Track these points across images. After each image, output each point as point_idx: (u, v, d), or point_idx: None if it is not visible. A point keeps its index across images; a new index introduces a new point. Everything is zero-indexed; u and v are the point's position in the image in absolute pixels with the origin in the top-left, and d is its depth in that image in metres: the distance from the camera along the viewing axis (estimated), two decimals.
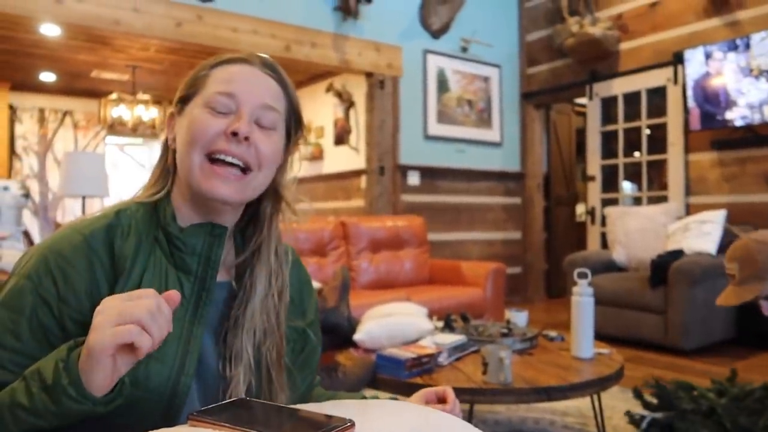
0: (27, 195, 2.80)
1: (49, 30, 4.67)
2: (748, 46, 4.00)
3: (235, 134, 0.80)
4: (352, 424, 0.65)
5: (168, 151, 0.88)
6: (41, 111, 7.61)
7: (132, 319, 0.62)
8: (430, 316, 2.49)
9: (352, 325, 2.26)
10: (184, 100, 0.86)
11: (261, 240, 0.90)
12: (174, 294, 0.69)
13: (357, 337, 2.16)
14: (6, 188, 2.75)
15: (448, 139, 5.27)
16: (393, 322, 2.16)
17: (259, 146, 0.82)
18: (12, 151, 7.34)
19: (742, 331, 3.78)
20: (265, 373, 0.86)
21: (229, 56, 0.86)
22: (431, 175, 5.13)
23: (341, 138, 6.10)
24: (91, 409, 0.65)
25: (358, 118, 5.79)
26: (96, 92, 7.34)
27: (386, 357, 1.88)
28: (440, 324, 2.39)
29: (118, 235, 0.79)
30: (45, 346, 0.72)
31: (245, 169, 0.82)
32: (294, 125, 0.91)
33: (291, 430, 0.66)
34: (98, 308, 0.65)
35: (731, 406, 1.88)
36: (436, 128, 5.21)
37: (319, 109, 6.56)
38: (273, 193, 0.90)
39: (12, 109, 7.27)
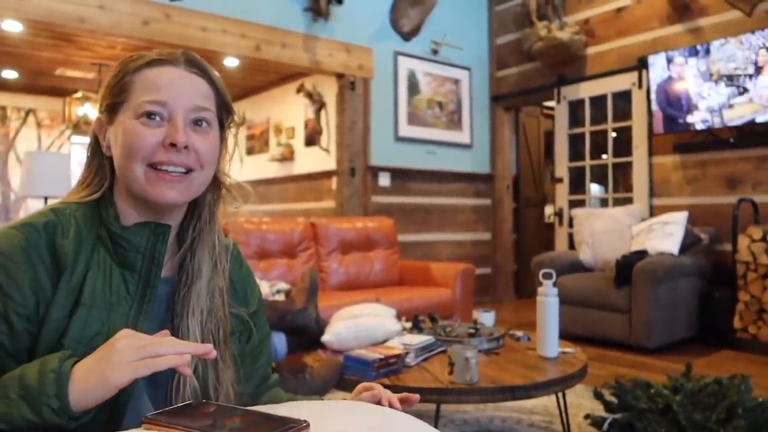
0: None
1: (11, 26, 4.55)
2: (708, 52, 4.12)
3: (173, 145, 0.81)
4: (307, 425, 0.65)
5: (101, 153, 0.87)
6: (2, 109, 7.42)
7: (151, 354, 0.67)
8: (399, 316, 2.51)
9: (321, 327, 2.26)
10: (111, 110, 0.85)
11: (201, 226, 0.91)
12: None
13: (325, 338, 2.16)
14: None
15: (418, 140, 5.30)
16: (361, 324, 2.16)
17: (198, 149, 0.83)
18: None
19: (702, 330, 3.89)
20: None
21: (151, 57, 0.85)
22: (402, 176, 5.15)
23: (312, 139, 6.08)
24: (64, 424, 0.66)
25: (329, 119, 5.79)
26: (60, 90, 7.18)
27: (353, 358, 1.89)
28: (408, 325, 2.41)
29: (59, 233, 0.79)
30: None
31: (188, 171, 0.84)
32: (225, 115, 0.92)
33: (245, 431, 0.66)
34: (114, 340, 0.68)
35: (686, 402, 1.93)
36: (406, 130, 5.24)
37: (290, 109, 6.54)
38: (212, 182, 0.91)
39: None
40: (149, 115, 0.81)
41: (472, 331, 2.33)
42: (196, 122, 0.84)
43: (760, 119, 3.89)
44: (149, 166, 0.81)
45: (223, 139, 0.92)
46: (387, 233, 4.10)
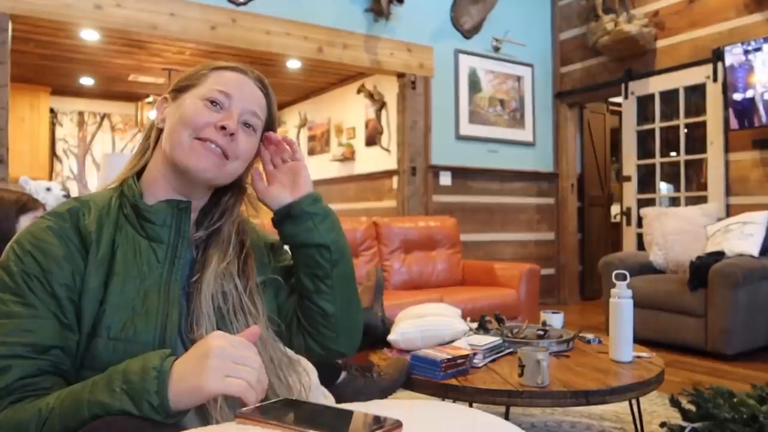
0: (68, 195, 2.89)
1: (89, 35, 4.78)
2: None
3: (223, 128, 0.91)
4: (400, 425, 0.65)
5: (152, 130, 0.99)
6: (80, 114, 7.81)
7: (242, 377, 0.71)
8: (464, 317, 2.48)
9: (386, 326, 2.26)
10: (180, 90, 0.97)
11: (221, 224, 0.99)
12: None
13: (391, 337, 2.15)
14: (49, 189, 2.85)
15: (480, 139, 5.23)
16: (427, 323, 2.15)
17: (240, 142, 0.94)
18: (53, 154, 7.55)
19: None
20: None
21: (229, 64, 0.99)
22: (463, 175, 5.10)
23: (373, 139, 6.11)
24: (162, 420, 0.71)
25: (390, 118, 5.80)
26: (133, 95, 7.50)
27: (421, 358, 1.87)
28: (474, 325, 2.38)
29: (81, 216, 0.88)
30: (49, 313, 0.80)
31: (224, 155, 0.93)
32: (270, 129, 1.03)
33: (341, 429, 0.66)
34: (209, 348, 0.72)
35: None
36: (467, 128, 5.18)
37: (351, 110, 6.60)
38: (237, 187, 1.02)
39: (53, 113, 7.48)
40: (213, 101, 0.93)
41: (541, 332, 2.28)
42: (246, 124, 0.95)
43: None
44: (196, 139, 0.91)
45: (258, 152, 1.02)
46: (449, 232, 4.07)
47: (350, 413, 0.72)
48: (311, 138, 7.55)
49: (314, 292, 1.00)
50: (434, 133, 4.99)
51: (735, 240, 3.69)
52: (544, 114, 5.70)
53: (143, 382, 0.70)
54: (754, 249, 3.62)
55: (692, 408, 2.06)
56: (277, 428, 0.66)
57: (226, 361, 0.71)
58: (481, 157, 5.22)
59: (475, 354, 1.96)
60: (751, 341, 3.52)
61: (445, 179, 5.01)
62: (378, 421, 0.66)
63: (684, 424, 2.02)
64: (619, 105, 5.55)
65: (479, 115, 5.28)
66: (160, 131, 0.96)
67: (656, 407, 2.51)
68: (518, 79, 5.54)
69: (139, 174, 0.96)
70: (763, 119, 4.06)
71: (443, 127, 5.04)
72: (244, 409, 0.71)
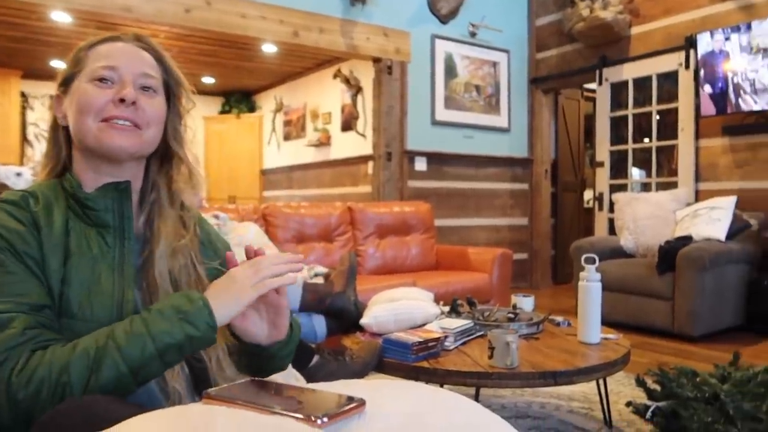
0: None
1: (60, 17, 4.66)
2: (760, 30, 3.94)
3: (122, 100, 0.91)
4: (363, 403, 0.66)
5: (58, 131, 0.99)
6: (52, 98, 7.63)
7: (264, 275, 0.87)
8: (437, 301, 2.50)
9: (359, 310, 2.27)
10: (67, 82, 0.97)
11: (157, 195, 1.00)
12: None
13: (364, 321, 2.17)
14: (19, 174, 2.81)
15: (455, 124, 5.25)
16: (400, 307, 2.17)
17: (145, 108, 0.94)
18: (24, 138, 7.38)
19: (750, 318, 3.77)
20: None
21: (103, 36, 0.98)
22: (439, 160, 5.12)
23: (348, 124, 6.09)
24: (212, 337, 0.84)
25: (366, 103, 5.78)
26: None
27: (393, 341, 1.89)
28: (446, 309, 2.40)
29: (31, 203, 0.90)
30: (32, 277, 0.84)
31: (135, 126, 0.94)
32: (174, 88, 1.02)
33: (304, 407, 0.67)
34: (231, 274, 0.88)
35: (734, 391, 1.87)
36: (443, 114, 5.19)
37: (327, 95, 6.56)
38: (163, 152, 1.02)
39: (24, 96, 7.30)
40: (102, 79, 0.93)
41: (512, 315, 2.31)
42: (144, 88, 0.95)
43: None
44: (102, 121, 0.92)
45: (177, 111, 1.02)
46: (424, 218, 4.09)
47: (316, 392, 0.73)
48: (287, 123, 7.50)
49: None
50: (410, 119, 4.99)
51: (703, 225, 3.77)
52: (519, 100, 5.74)
53: (196, 309, 0.82)
54: (720, 233, 3.70)
55: (657, 388, 2.11)
56: (243, 408, 0.67)
57: (247, 275, 0.86)
58: (457, 142, 5.24)
59: (446, 337, 1.99)
60: (716, 323, 3.62)
61: (421, 165, 5.03)
62: (342, 399, 0.67)
63: (649, 403, 2.08)
64: (593, 91, 5.60)
65: (455, 101, 5.29)
66: (68, 129, 0.97)
67: (623, 387, 2.57)
68: (494, 64, 5.56)
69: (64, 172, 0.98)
70: (734, 106, 4.14)
71: (419, 112, 5.04)
72: (209, 390, 0.71)
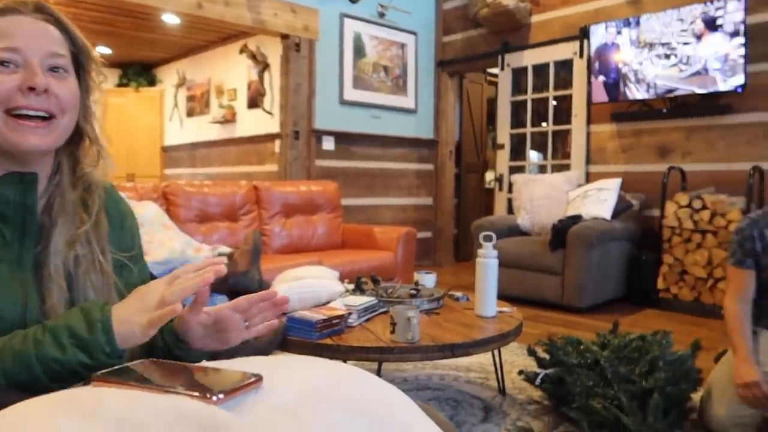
0: None
1: None
2: (646, 23, 4.24)
3: (32, 89, 0.81)
4: (259, 378, 0.67)
5: None
6: None
7: (158, 303, 0.76)
8: (342, 279, 2.53)
9: (263, 289, 2.26)
10: None
11: (60, 178, 0.91)
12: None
13: None
14: None
15: (363, 104, 5.27)
16: (304, 285, 2.18)
17: (58, 94, 0.84)
18: None
19: (630, 290, 4.11)
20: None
21: None
22: (346, 140, 5.13)
23: (255, 101, 5.95)
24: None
25: (273, 81, 5.67)
26: None
27: (296, 319, 1.90)
28: (351, 287, 2.44)
29: None
30: None
31: (49, 117, 0.84)
32: (83, 62, 0.91)
33: (197, 386, 0.67)
34: (142, 292, 0.79)
35: (612, 357, 2.05)
36: (351, 94, 5.20)
37: (232, 70, 6.36)
38: (73, 133, 0.91)
39: None
40: (3, 62, 0.81)
41: (414, 292, 2.39)
42: (53, 69, 0.84)
43: (691, 92, 4.06)
44: (7, 113, 0.81)
45: (87, 87, 0.92)
46: (330, 197, 4.10)
47: (212, 370, 0.73)
48: (190, 98, 7.21)
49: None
50: (318, 98, 4.95)
51: (591, 205, 4.05)
52: (425, 82, 5.84)
53: (93, 335, 0.74)
54: (607, 213, 3.99)
55: (546, 356, 2.27)
56: (136, 389, 0.66)
57: (160, 290, 0.78)
58: (365, 122, 5.28)
59: (350, 314, 2.03)
60: (600, 296, 3.91)
61: (328, 144, 5.02)
62: (240, 375, 0.68)
63: (539, 370, 2.23)
64: (496, 76, 5.80)
65: (363, 81, 5.30)
66: None
67: (516, 357, 2.74)
68: (402, 46, 5.62)
69: None
70: (622, 95, 4.43)
71: (327, 91, 5.02)
72: (98, 372, 0.70)
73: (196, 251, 2.44)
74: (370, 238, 3.92)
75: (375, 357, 1.87)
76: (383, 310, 2.18)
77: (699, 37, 3.99)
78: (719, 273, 3.63)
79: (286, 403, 0.66)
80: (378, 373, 2.07)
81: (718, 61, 3.90)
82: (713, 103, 4.09)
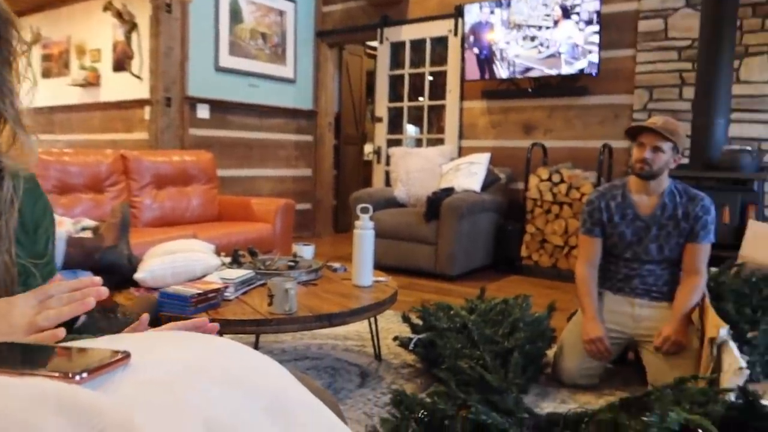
0: None
1: None
2: (511, 5, 4.47)
3: None
4: (127, 355, 0.65)
5: None
6: None
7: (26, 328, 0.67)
8: (218, 252, 2.48)
9: (133, 264, 2.16)
10: None
11: None
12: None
13: (138, 276, 2.07)
14: None
15: (240, 72, 5.10)
16: (178, 259, 2.11)
17: None
18: None
19: (496, 258, 4.40)
20: None
21: None
22: (222, 109, 4.96)
23: (121, 64, 5.54)
24: None
25: (142, 43, 5.30)
26: None
27: (170, 294, 1.85)
28: (228, 260, 2.40)
29: None
30: None
31: None
32: (2, 31, 0.80)
33: (59, 366, 0.64)
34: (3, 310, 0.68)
35: (479, 320, 2.21)
36: (228, 60, 5.01)
37: (95, 29, 5.86)
38: None
39: None
40: None
41: (292, 264, 2.40)
42: None
43: (553, 72, 4.37)
44: None
45: (4, 59, 0.80)
46: (206, 167, 3.96)
47: (76, 349, 0.70)
48: (46, 58, 6.55)
49: None
50: (192, 63, 4.72)
51: (463, 178, 4.25)
52: (305, 52, 5.76)
53: None
54: (477, 185, 4.21)
55: (420, 322, 2.39)
56: None
57: (28, 305, 0.68)
58: (241, 91, 5.12)
59: (226, 287, 2.00)
60: (470, 264, 4.15)
61: (203, 112, 4.82)
62: (105, 353, 0.66)
63: (412, 336, 2.35)
64: (375, 49, 5.84)
65: (240, 48, 5.12)
66: None
67: (392, 324, 2.85)
68: (281, 13, 5.48)
69: None
70: (492, 73, 4.66)
71: (201, 57, 4.79)
72: None
73: (58, 225, 2.27)
74: (248, 210, 3.85)
75: (252, 329, 1.87)
76: (261, 282, 2.17)
77: (556, 23, 4.29)
78: (574, 241, 3.99)
79: (157, 377, 0.65)
80: (255, 345, 2.08)
81: (570, 46, 4.24)
82: (572, 85, 4.43)
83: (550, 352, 2.34)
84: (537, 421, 1.47)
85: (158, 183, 3.68)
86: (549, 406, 2.02)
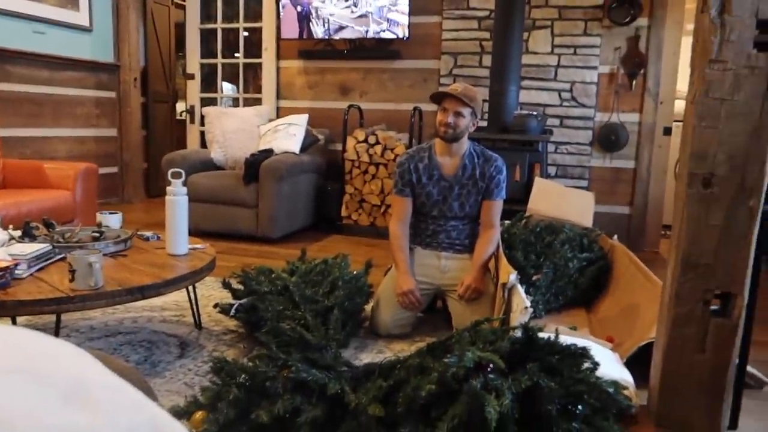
0: None
1: None
2: None
3: None
4: None
5: None
6: None
7: None
8: (5, 225, 2.21)
9: None
10: None
11: None
12: None
13: None
14: None
15: (21, 16, 4.44)
16: None
17: None
18: None
19: (318, 219, 4.47)
20: None
21: None
22: (1, 59, 4.30)
23: None
24: None
25: None
26: None
27: None
28: (18, 233, 2.14)
29: None
30: None
31: None
32: None
33: None
34: None
35: (299, 281, 2.25)
36: (4, 1, 4.33)
37: None
38: None
39: None
40: None
41: (97, 234, 2.22)
42: None
43: (368, 35, 4.46)
44: None
45: None
46: None
47: None
48: None
49: None
50: None
51: (282, 139, 4.22)
52: None
53: None
54: (296, 147, 4.21)
55: (241, 287, 2.37)
56: None
57: None
58: (24, 38, 4.47)
59: (17, 264, 1.80)
60: (292, 225, 4.18)
61: None
62: None
63: (234, 302, 2.32)
64: (184, 0, 5.46)
65: None
66: None
67: (212, 291, 2.78)
68: None
69: None
70: (308, 33, 4.62)
71: None
72: None
73: None
74: (40, 175, 3.43)
75: (51, 309, 1.71)
76: (60, 257, 1.98)
77: None
78: (390, 201, 4.19)
79: None
80: (57, 324, 1.90)
81: (377, 8, 4.37)
82: (385, 48, 4.58)
83: (368, 307, 2.47)
84: (355, 373, 1.56)
85: None
86: (367, 357, 2.15)
